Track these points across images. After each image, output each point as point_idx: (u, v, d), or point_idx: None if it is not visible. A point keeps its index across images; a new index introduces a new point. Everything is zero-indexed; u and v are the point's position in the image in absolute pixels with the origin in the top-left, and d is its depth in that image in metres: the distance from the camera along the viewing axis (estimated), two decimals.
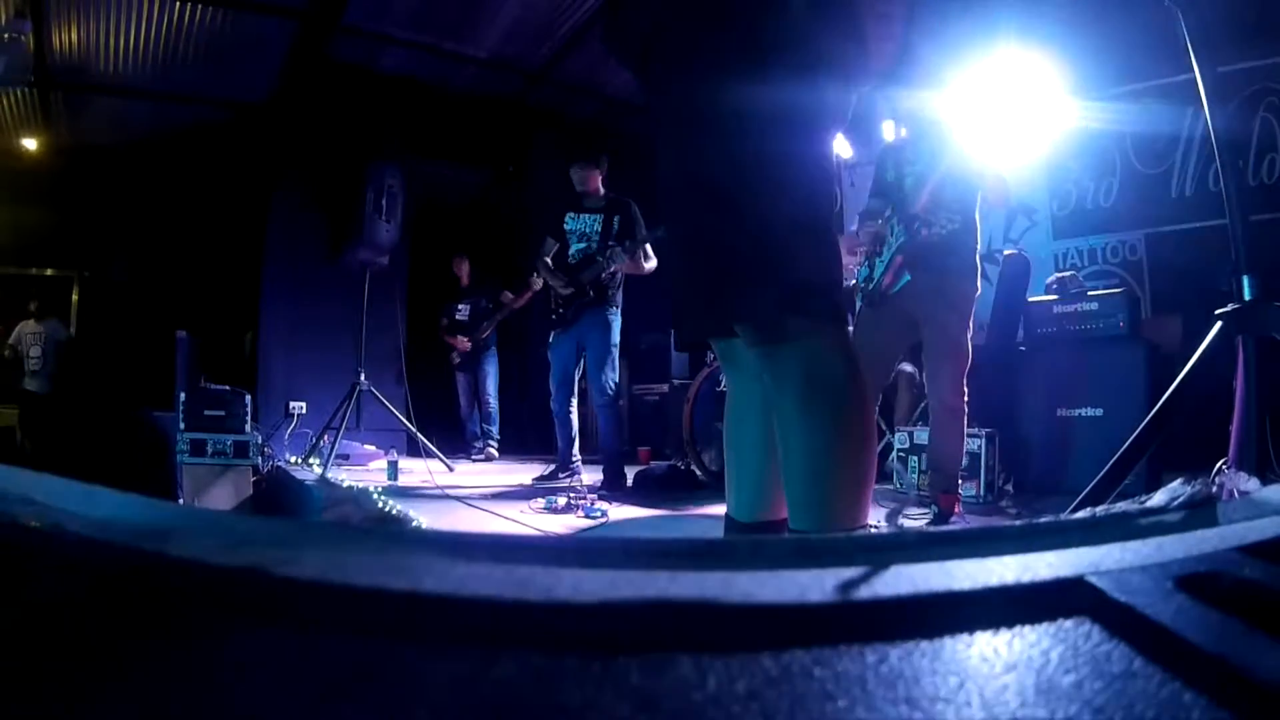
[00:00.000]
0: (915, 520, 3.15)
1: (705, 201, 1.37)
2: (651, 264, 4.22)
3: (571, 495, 3.35)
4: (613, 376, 4.24)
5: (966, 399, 3.00)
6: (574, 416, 4.43)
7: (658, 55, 1.47)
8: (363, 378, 5.00)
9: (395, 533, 1.39)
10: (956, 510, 3.01)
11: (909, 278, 3.00)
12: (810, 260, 1.32)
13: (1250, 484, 1.71)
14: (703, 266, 1.41)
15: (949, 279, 2.98)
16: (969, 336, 3.01)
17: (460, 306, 6.58)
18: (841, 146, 3.56)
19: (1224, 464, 2.04)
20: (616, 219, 4.22)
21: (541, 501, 3.32)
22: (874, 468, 1.34)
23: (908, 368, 4.88)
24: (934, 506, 3.05)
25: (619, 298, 4.30)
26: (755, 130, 1.31)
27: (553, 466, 4.47)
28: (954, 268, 3.00)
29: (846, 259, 3.01)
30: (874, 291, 3.08)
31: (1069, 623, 0.36)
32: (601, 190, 4.34)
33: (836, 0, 1.36)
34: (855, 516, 1.29)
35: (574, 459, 4.44)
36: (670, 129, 1.46)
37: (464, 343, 6.43)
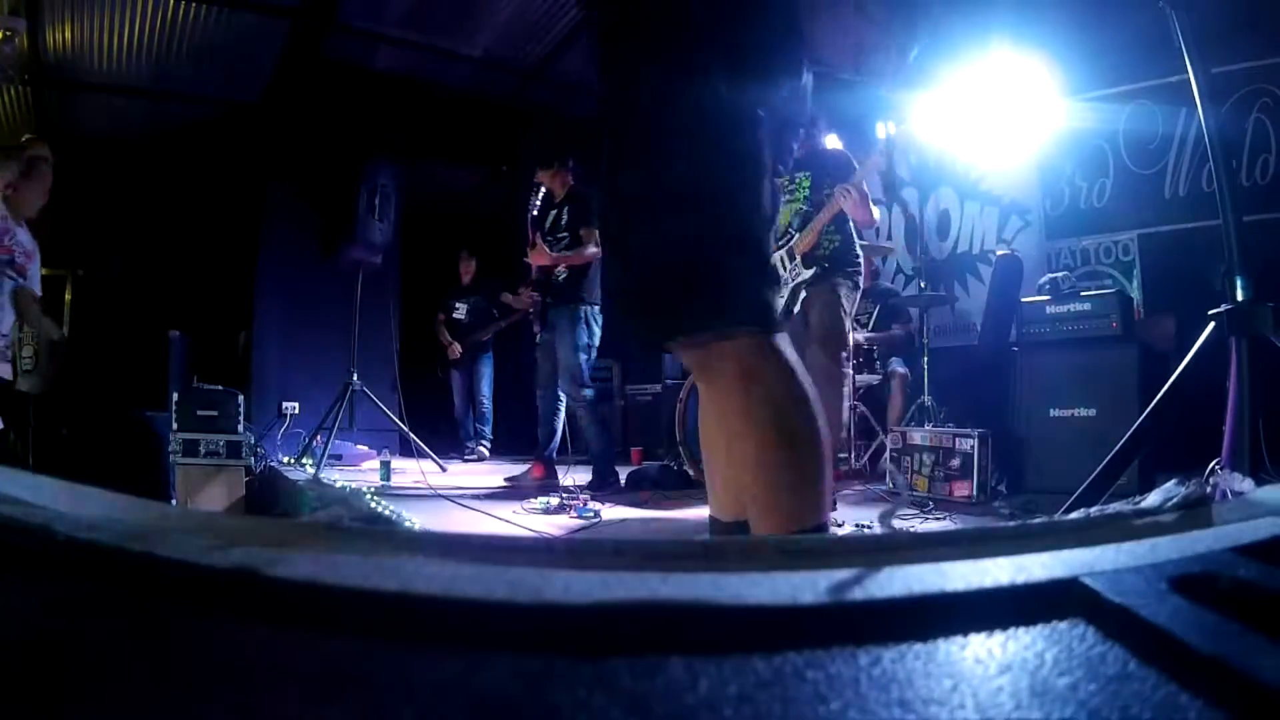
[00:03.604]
0: (908, 521, 3.15)
1: (632, 210, 1.33)
2: (591, 250, 4.11)
3: (564, 496, 3.33)
4: (571, 380, 4.13)
5: (847, 372, 3.58)
6: (558, 418, 4.38)
7: (603, 54, 1.41)
8: (355, 377, 4.98)
9: (386, 533, 1.39)
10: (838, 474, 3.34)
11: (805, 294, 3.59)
12: (733, 269, 1.27)
13: (1244, 484, 1.71)
14: (635, 279, 1.35)
15: (832, 279, 3.56)
16: (849, 326, 3.60)
17: (459, 305, 6.58)
18: (832, 144, 3.67)
19: (1217, 464, 2.04)
20: (567, 209, 4.24)
21: (534, 502, 3.31)
22: (826, 461, 1.29)
23: (900, 368, 4.89)
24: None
25: (587, 295, 4.16)
26: (681, 133, 1.26)
27: (526, 467, 4.45)
28: (838, 273, 3.58)
29: None
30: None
31: (1063, 624, 0.36)
32: (571, 184, 4.37)
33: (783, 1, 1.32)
34: (812, 514, 1.26)
35: (554, 457, 4.40)
36: (607, 130, 1.39)
37: (455, 350, 6.45)
